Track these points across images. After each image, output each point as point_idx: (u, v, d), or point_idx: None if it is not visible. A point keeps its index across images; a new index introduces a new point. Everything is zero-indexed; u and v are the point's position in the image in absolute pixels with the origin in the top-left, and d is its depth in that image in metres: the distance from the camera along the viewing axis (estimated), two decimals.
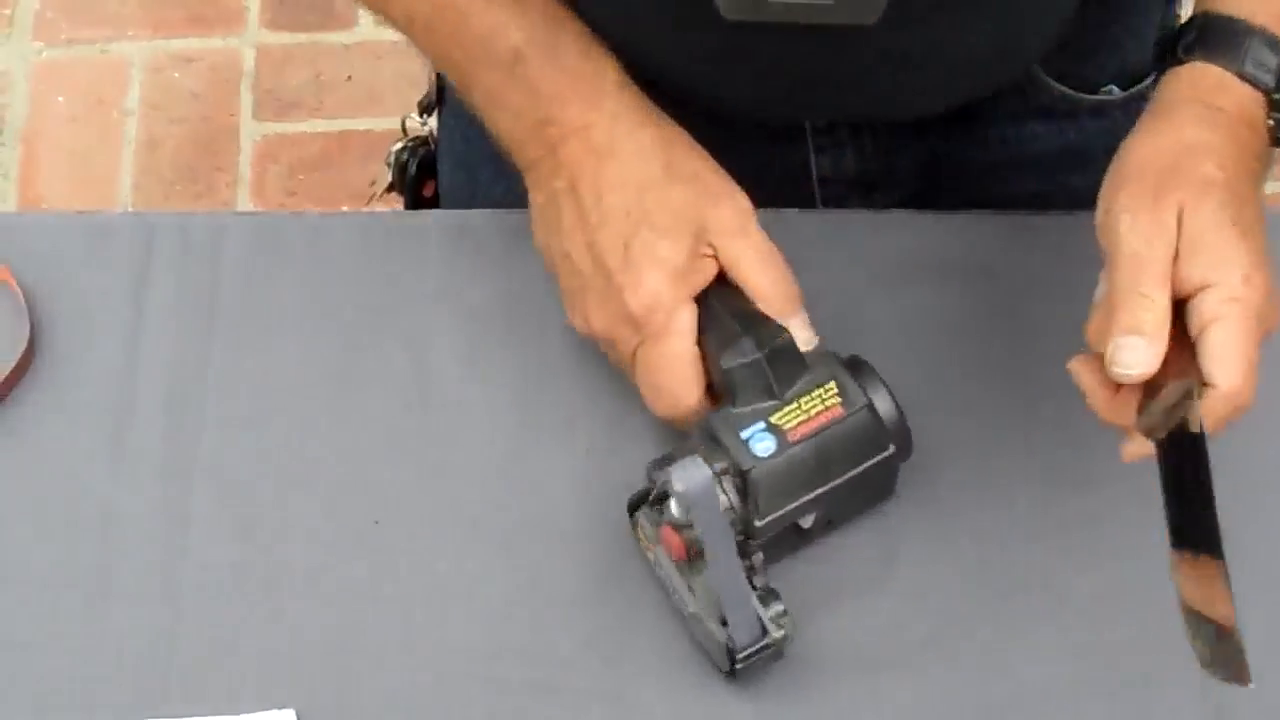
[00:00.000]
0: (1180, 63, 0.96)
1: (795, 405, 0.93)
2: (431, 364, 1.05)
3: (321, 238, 1.10)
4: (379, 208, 1.23)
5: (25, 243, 1.09)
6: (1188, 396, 0.86)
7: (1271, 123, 0.95)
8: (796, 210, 1.10)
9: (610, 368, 1.01)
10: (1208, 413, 0.87)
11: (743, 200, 0.98)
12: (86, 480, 1.01)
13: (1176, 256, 0.88)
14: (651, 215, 0.96)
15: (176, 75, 2.28)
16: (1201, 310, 0.88)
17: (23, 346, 1.04)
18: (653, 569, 0.96)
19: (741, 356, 0.94)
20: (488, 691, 0.95)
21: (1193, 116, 0.94)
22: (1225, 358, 0.87)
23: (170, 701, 0.94)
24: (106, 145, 2.23)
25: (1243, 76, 0.95)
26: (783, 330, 0.95)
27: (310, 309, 1.07)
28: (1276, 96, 0.95)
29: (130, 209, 2.14)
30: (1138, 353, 0.87)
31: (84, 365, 1.05)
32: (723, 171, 0.99)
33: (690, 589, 0.94)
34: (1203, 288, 0.88)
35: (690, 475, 0.88)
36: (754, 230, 0.98)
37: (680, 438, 0.98)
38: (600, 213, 0.96)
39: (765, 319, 0.96)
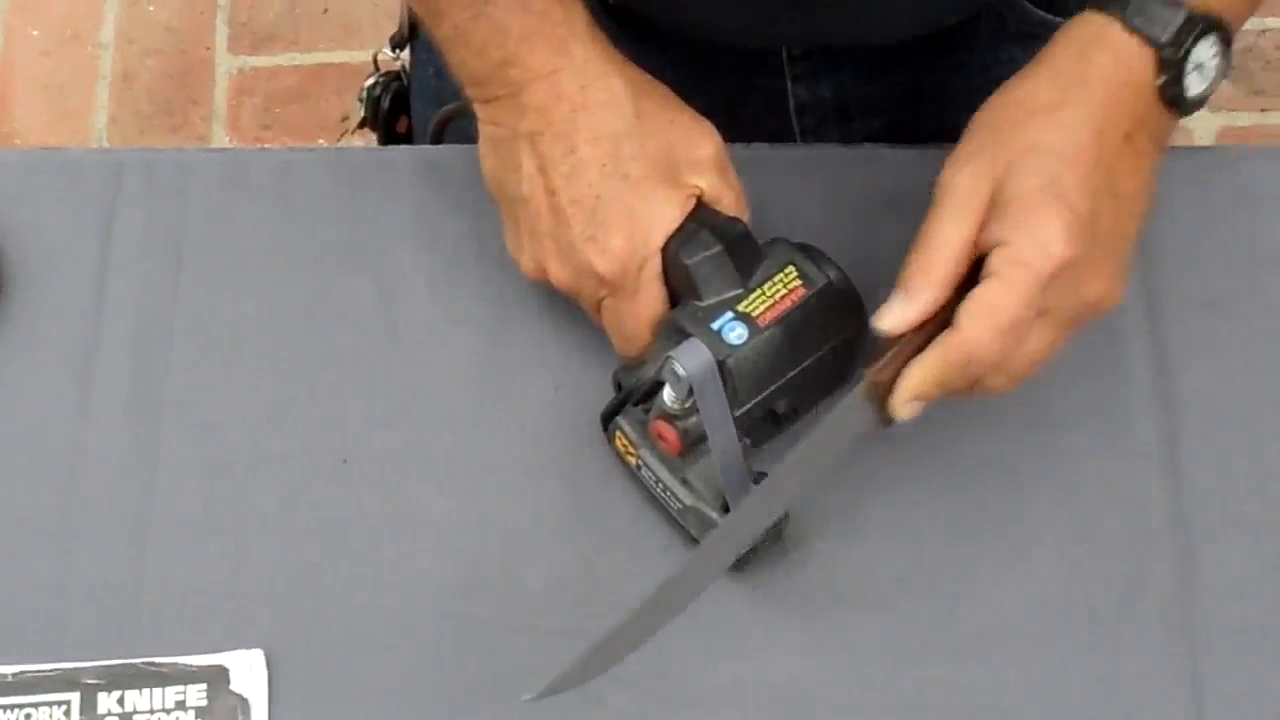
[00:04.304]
0: (1074, 13, 0.93)
1: (759, 291, 0.94)
2: (401, 301, 1.04)
3: (290, 174, 1.09)
4: (352, 143, 1.22)
5: None
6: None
7: (1162, 81, 0.91)
8: (770, 145, 1.10)
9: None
10: (935, 357, 0.87)
11: (718, 138, 0.98)
12: (54, 419, 1.01)
13: (987, 217, 0.88)
14: (626, 165, 0.95)
15: (151, 8, 2.26)
16: (986, 266, 0.88)
17: None
18: (636, 475, 0.96)
19: (704, 249, 0.94)
20: (457, 630, 0.95)
21: (1057, 72, 0.92)
22: (974, 306, 0.87)
23: (138, 641, 0.94)
24: (81, 79, 2.21)
25: (1129, 28, 0.90)
26: (737, 220, 0.96)
27: (279, 246, 1.06)
28: (1166, 54, 0.90)
29: (105, 143, 2.13)
30: (895, 309, 0.88)
31: (51, 303, 1.04)
32: (694, 111, 0.98)
33: (685, 483, 0.94)
34: (996, 246, 0.88)
35: (693, 357, 0.91)
36: (731, 168, 0.98)
37: None
38: (571, 164, 0.95)
39: (716, 212, 0.96)
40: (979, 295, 0.87)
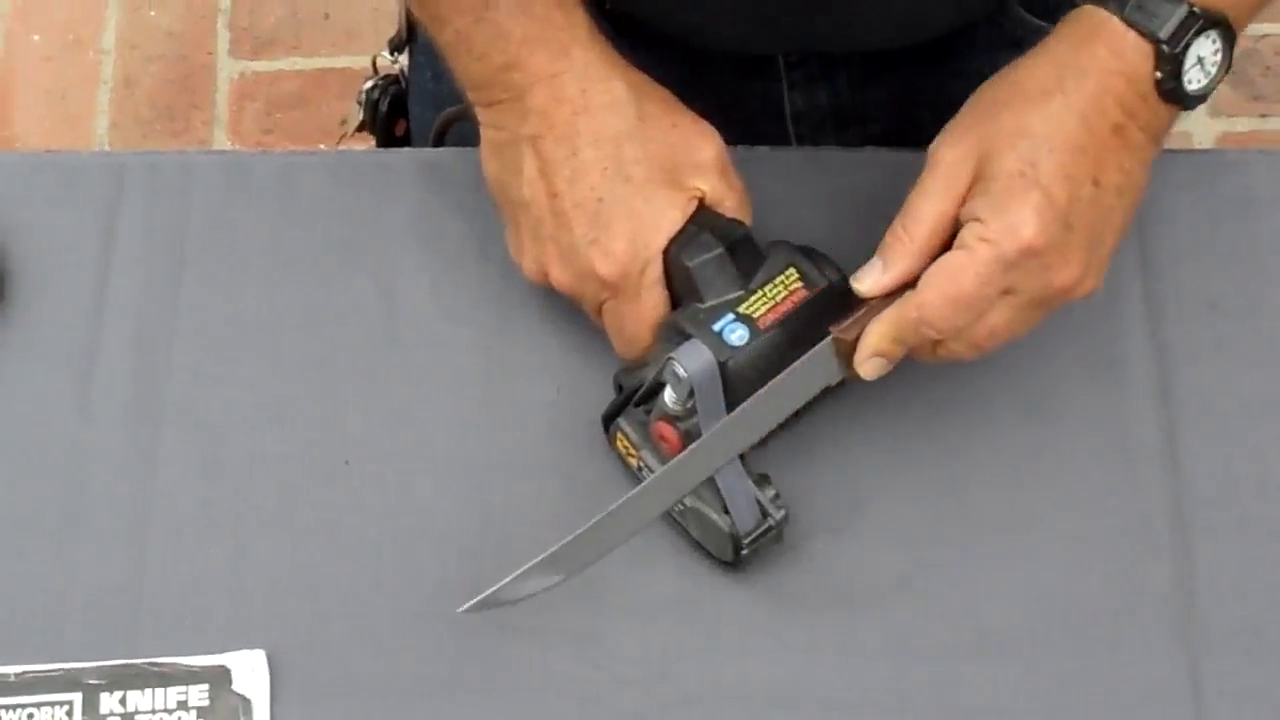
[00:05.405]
0: (1075, 5, 0.94)
1: (760, 293, 0.95)
2: (402, 303, 1.05)
3: (291, 176, 1.09)
4: (350, 146, 1.23)
5: None
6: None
7: (1159, 75, 0.92)
8: (770, 148, 1.10)
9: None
10: (892, 314, 0.91)
11: (720, 141, 0.98)
12: (55, 420, 1.01)
13: (969, 193, 0.90)
14: (628, 168, 0.95)
15: (153, 13, 2.26)
16: (958, 239, 0.90)
17: None
18: (637, 476, 0.97)
19: (705, 252, 0.95)
20: (458, 631, 0.95)
21: (1054, 59, 0.93)
22: (934, 270, 0.90)
23: (140, 641, 0.94)
24: (83, 84, 2.21)
25: (1127, 22, 0.91)
26: (738, 223, 0.96)
27: (280, 248, 1.07)
28: (1165, 48, 0.91)
29: (107, 149, 2.13)
30: (872, 274, 0.92)
31: (53, 304, 1.04)
32: (696, 115, 0.98)
33: None
34: (971, 221, 0.90)
35: (694, 358, 0.91)
36: (733, 170, 0.98)
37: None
38: (574, 166, 0.95)
39: (718, 214, 0.96)
40: (941, 261, 0.90)
